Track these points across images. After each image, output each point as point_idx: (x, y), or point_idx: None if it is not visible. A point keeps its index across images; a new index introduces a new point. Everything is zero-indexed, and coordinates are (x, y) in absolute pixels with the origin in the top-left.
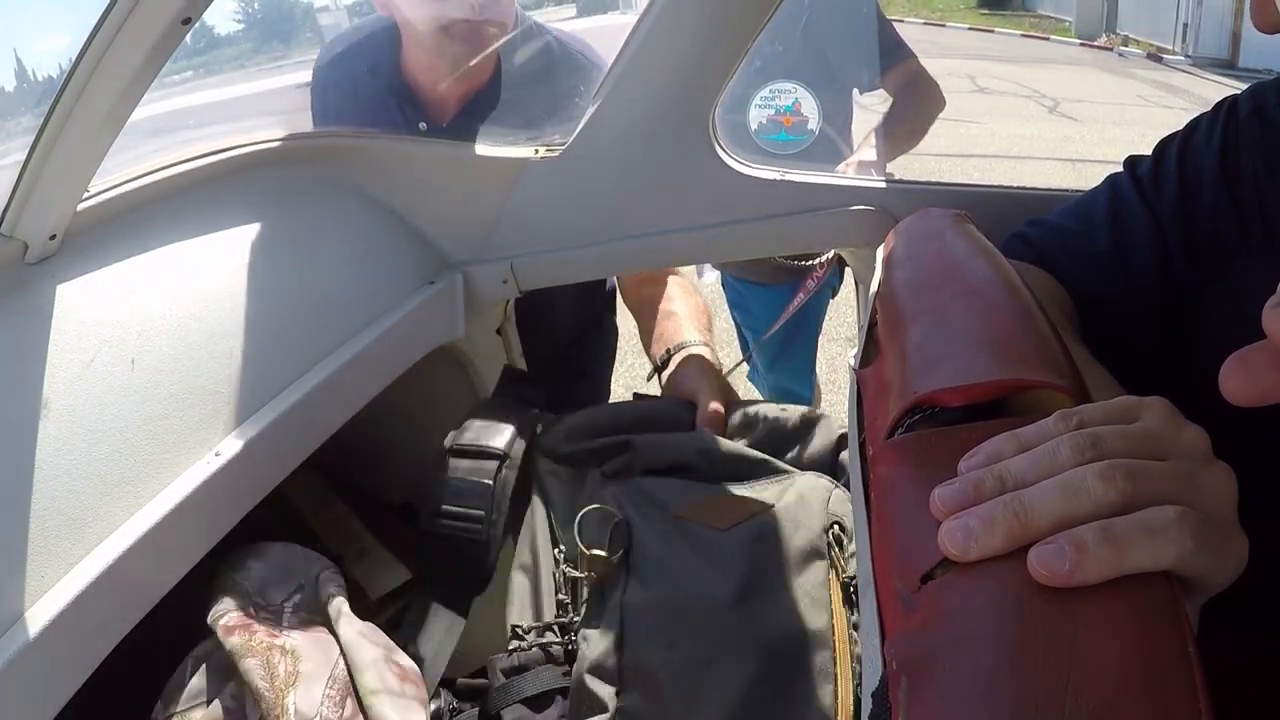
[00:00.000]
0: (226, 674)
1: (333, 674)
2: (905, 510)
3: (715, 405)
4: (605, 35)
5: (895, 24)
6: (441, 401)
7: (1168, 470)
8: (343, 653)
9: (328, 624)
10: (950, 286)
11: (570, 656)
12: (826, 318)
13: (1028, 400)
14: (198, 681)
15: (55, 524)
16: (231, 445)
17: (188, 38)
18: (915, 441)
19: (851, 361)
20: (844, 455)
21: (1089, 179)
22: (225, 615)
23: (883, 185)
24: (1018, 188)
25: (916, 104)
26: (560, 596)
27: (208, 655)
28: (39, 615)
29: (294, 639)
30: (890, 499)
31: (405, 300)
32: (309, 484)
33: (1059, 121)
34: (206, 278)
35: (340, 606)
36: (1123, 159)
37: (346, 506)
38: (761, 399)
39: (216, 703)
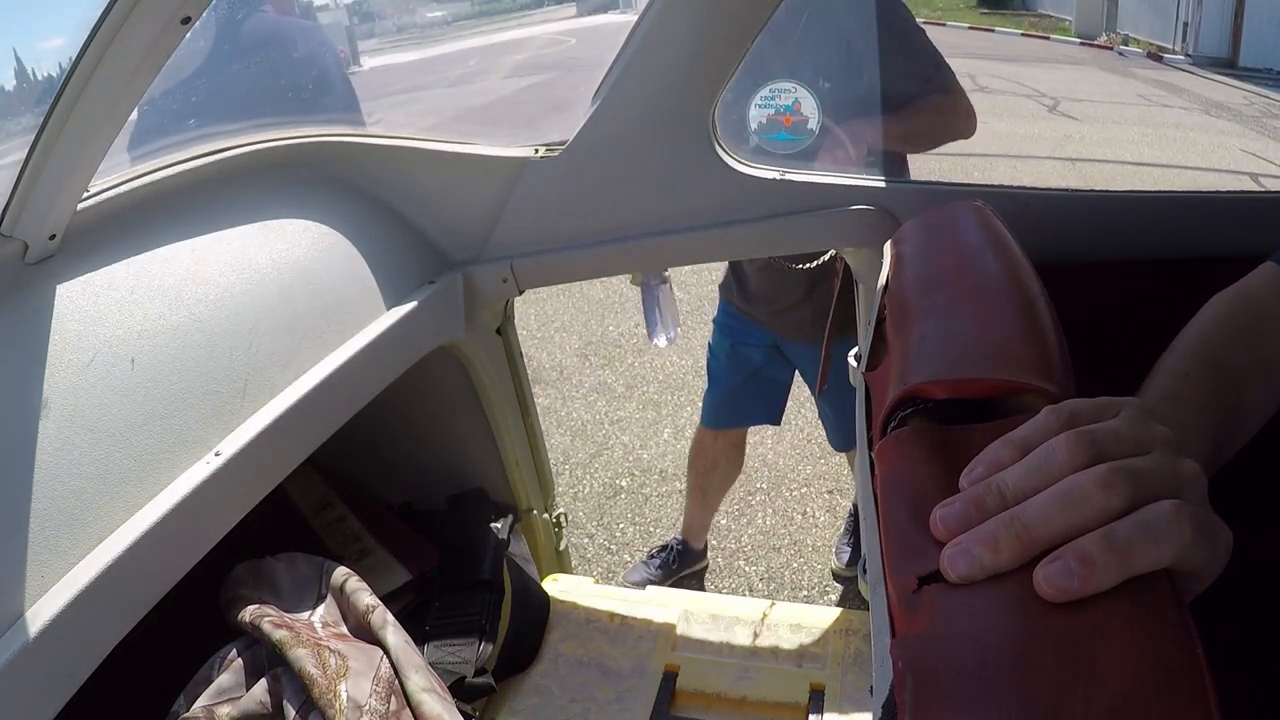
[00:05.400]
0: (258, 672)
1: (378, 673)
2: (902, 510)
3: None
4: (605, 35)
5: None
6: (441, 402)
7: (1156, 464)
8: (388, 656)
9: (362, 633)
10: (957, 285)
11: None
12: None
13: (1021, 402)
14: (228, 679)
15: (55, 523)
16: (231, 445)
17: (187, 37)
18: (909, 438)
19: (853, 362)
20: None
21: (1089, 178)
22: (265, 617)
23: (883, 185)
24: (1018, 187)
25: (938, 134)
26: None
27: (239, 655)
28: (39, 615)
29: (335, 644)
30: (888, 499)
31: (405, 300)
32: (309, 484)
33: (1059, 120)
34: (206, 278)
35: (385, 616)
36: (1123, 158)
37: (346, 506)
38: None
39: (247, 698)
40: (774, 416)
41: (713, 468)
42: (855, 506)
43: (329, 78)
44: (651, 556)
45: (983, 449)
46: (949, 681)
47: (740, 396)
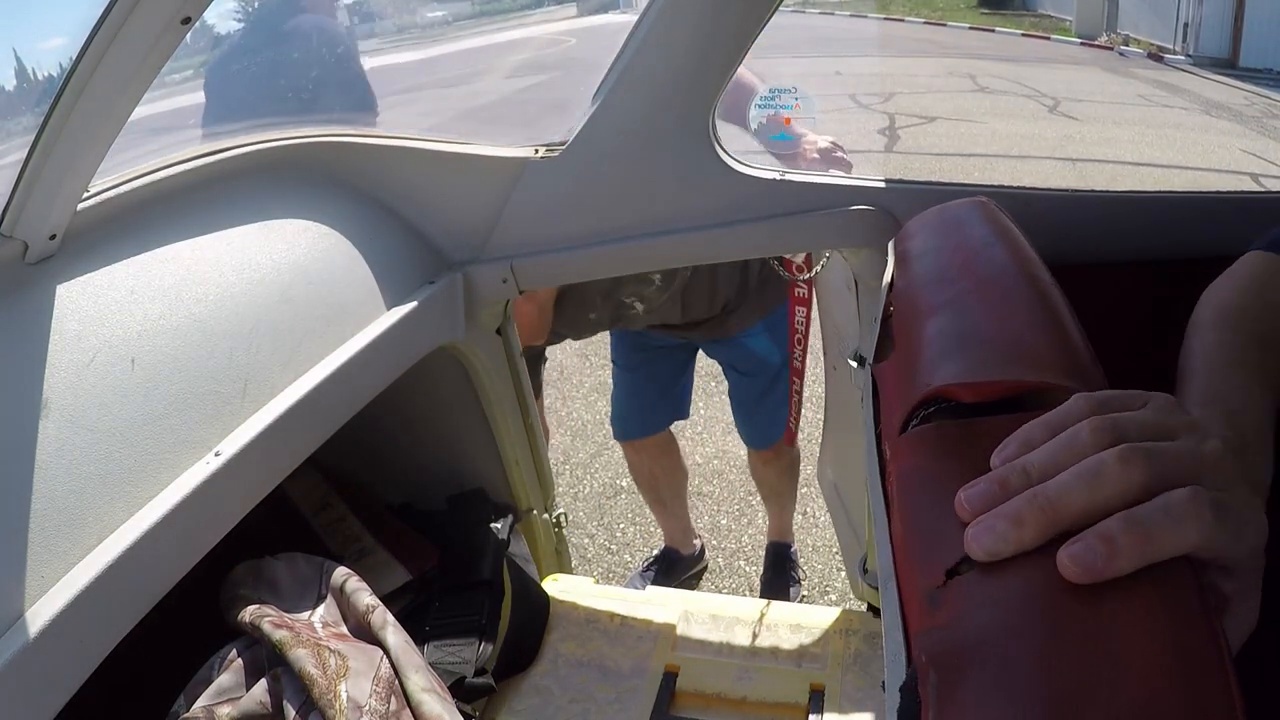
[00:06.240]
0: (258, 672)
1: (378, 673)
2: (926, 504)
3: None
4: (605, 35)
5: (895, 23)
6: (441, 402)
7: (1179, 449)
8: (388, 656)
9: (362, 633)
10: (967, 279)
11: None
12: None
13: (1048, 397)
14: (228, 679)
15: (55, 523)
16: (231, 445)
17: (188, 38)
18: (933, 434)
19: (853, 363)
20: None
21: (1090, 179)
22: (265, 617)
23: (882, 185)
24: (1018, 188)
25: None
26: None
27: (239, 655)
28: (39, 615)
29: (335, 644)
30: (910, 493)
31: (405, 300)
32: (309, 484)
33: (1059, 121)
34: (206, 278)
35: (385, 616)
36: (1124, 158)
37: (346, 507)
38: None
39: (247, 698)
40: (682, 411)
41: (654, 479)
42: None
43: (336, 76)
44: (645, 570)
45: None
46: (972, 674)
47: (644, 401)
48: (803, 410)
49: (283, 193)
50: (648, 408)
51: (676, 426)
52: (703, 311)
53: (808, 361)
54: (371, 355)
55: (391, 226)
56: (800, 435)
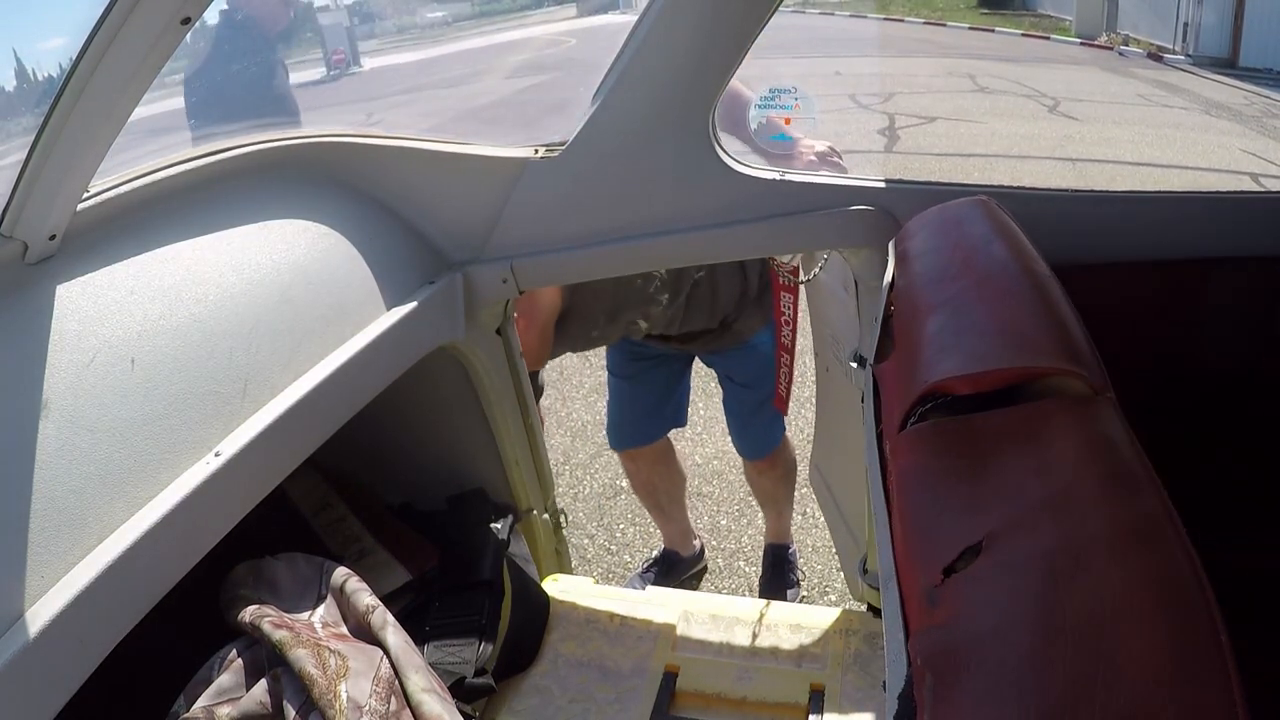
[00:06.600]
0: (258, 672)
1: (378, 674)
2: (925, 503)
3: None
4: (605, 35)
5: (895, 23)
6: (441, 402)
7: None
8: (388, 656)
9: (362, 633)
10: (966, 277)
11: None
12: None
13: (1044, 386)
14: (228, 679)
15: (55, 523)
16: (231, 445)
17: (188, 38)
18: (930, 431)
19: (853, 364)
20: None
21: (1089, 179)
22: (265, 617)
23: (882, 185)
24: (1018, 187)
25: None
26: None
27: (239, 655)
28: (40, 614)
29: (335, 645)
30: (909, 492)
31: (405, 300)
32: (309, 484)
33: (1059, 121)
34: (206, 278)
35: (385, 617)
36: (1123, 158)
37: (346, 507)
38: None
39: (247, 698)
40: (680, 419)
41: (651, 486)
42: None
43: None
44: (645, 571)
45: (1003, 436)
46: (967, 677)
47: (640, 411)
48: (800, 412)
49: (283, 193)
50: (643, 417)
51: (676, 429)
52: (701, 324)
53: (803, 363)
54: (371, 355)
55: (391, 227)
56: (800, 437)
